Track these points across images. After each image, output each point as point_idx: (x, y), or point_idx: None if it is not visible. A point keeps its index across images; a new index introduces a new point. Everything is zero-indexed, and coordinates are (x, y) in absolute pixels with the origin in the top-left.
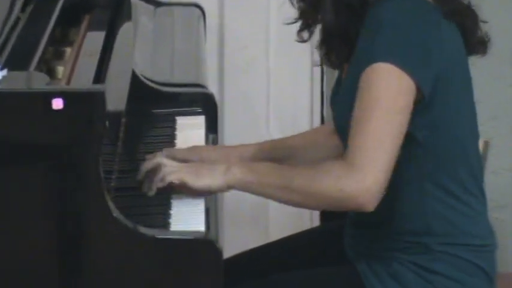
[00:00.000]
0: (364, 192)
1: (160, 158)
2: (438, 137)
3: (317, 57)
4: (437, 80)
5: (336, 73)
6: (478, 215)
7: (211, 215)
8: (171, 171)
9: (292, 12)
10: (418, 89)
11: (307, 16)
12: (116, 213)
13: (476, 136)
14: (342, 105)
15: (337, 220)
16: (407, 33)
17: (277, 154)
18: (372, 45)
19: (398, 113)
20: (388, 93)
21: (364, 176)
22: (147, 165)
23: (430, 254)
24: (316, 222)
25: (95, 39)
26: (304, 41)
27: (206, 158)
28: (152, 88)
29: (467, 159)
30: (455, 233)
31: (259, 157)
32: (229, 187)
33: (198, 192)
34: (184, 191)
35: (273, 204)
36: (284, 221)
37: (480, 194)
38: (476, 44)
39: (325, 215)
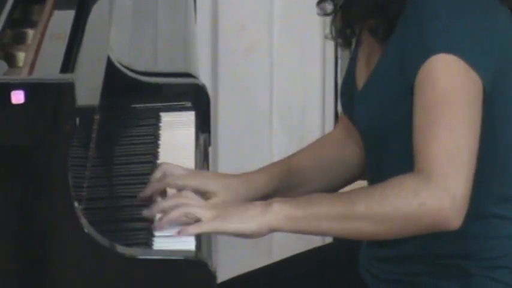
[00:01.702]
0: (451, 202)
1: (183, 199)
2: (493, 141)
3: (329, 41)
4: (497, 74)
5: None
6: None
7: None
8: (195, 210)
9: None
10: (483, 85)
11: None
12: (87, 228)
13: None
14: (375, 101)
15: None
16: (468, 22)
17: (293, 181)
18: (428, 34)
19: (472, 107)
20: (458, 87)
21: (447, 183)
22: (167, 204)
23: (466, 278)
24: (328, 238)
25: (62, 20)
26: (326, 14)
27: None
28: (131, 78)
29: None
30: (498, 255)
31: (274, 186)
32: (271, 229)
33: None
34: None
35: None
36: (290, 238)
37: None
38: None
39: None
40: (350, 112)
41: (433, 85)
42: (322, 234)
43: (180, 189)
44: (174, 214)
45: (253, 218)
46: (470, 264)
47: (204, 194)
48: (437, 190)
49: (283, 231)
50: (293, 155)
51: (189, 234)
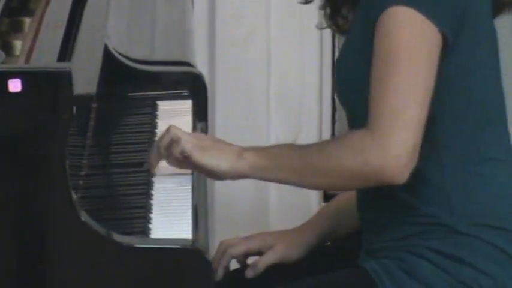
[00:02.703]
0: (393, 160)
1: (178, 131)
2: (456, 95)
3: (327, 29)
4: (460, 27)
5: None
6: (506, 195)
7: (199, 220)
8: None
9: None
10: (443, 37)
11: None
12: (84, 216)
13: (501, 98)
14: (345, 64)
15: (350, 236)
16: None
17: (340, 222)
18: None
19: (425, 63)
20: (412, 41)
21: (391, 141)
22: (163, 146)
23: (453, 238)
24: None
25: (59, 8)
26: (308, 2)
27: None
28: (129, 67)
29: (491, 123)
30: (482, 212)
31: (325, 232)
32: (238, 174)
33: (203, 171)
34: (188, 167)
35: (273, 207)
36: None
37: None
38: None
39: None
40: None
41: (385, 39)
42: (283, 183)
43: (243, 255)
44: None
45: (227, 160)
46: (458, 221)
47: (267, 249)
48: (381, 148)
49: (249, 177)
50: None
51: (164, 145)
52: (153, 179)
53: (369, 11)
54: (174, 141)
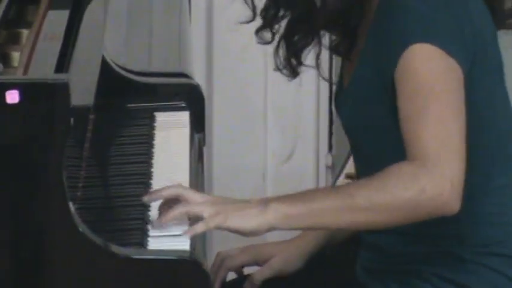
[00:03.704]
0: (449, 187)
1: (183, 190)
2: (470, 126)
3: (324, 40)
4: (473, 60)
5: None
6: None
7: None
8: (195, 209)
9: None
10: (462, 72)
11: (278, 4)
12: (82, 228)
13: (510, 129)
14: (355, 101)
15: (347, 248)
16: (439, 11)
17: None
18: (400, 27)
19: (455, 93)
20: (438, 74)
21: (444, 169)
22: (166, 192)
23: (460, 265)
24: None
25: (57, 19)
26: (267, 43)
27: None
28: (126, 78)
29: (503, 152)
30: (491, 241)
31: (319, 243)
32: (271, 227)
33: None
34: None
35: None
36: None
37: None
38: (506, 16)
39: None
40: (339, 112)
41: (414, 75)
42: (321, 229)
43: (239, 268)
44: (175, 213)
45: (253, 217)
46: (464, 249)
47: (264, 261)
48: (435, 176)
49: (282, 229)
50: None
51: (196, 233)
52: (151, 190)
53: (382, 48)
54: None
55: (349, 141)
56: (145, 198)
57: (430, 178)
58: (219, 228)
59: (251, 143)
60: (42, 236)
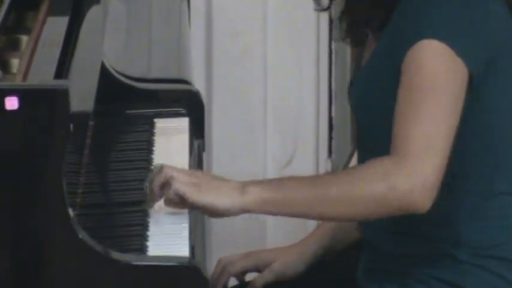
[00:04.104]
0: (420, 185)
1: (171, 170)
2: (475, 131)
3: (324, 45)
4: (488, 65)
5: (346, 63)
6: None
7: (196, 237)
8: (176, 181)
9: None
10: (469, 74)
11: None
12: (82, 234)
13: None
14: (366, 81)
15: (348, 254)
16: (460, 11)
17: (338, 237)
18: (419, 20)
19: (453, 95)
20: (442, 73)
21: (419, 167)
22: (157, 180)
23: (459, 268)
24: None
25: (56, 26)
26: (323, 10)
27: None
28: (126, 84)
29: (507, 159)
30: (490, 244)
31: (324, 246)
32: (244, 209)
33: (203, 211)
34: (186, 207)
35: (270, 224)
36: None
37: None
38: None
39: None
40: (351, 92)
41: (418, 69)
42: (295, 216)
43: (240, 274)
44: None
45: (228, 196)
46: (463, 251)
47: (265, 267)
48: (409, 173)
49: (255, 213)
50: None
51: (168, 198)
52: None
53: (397, 39)
54: (167, 182)
55: (356, 124)
56: (146, 206)
57: (402, 175)
58: (191, 200)
59: (251, 149)
60: (42, 243)
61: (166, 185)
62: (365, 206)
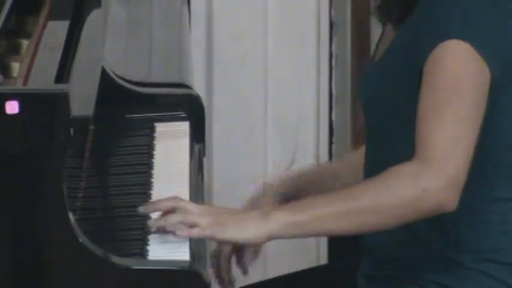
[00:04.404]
0: (451, 185)
1: (180, 202)
2: (484, 133)
3: (324, 49)
4: (508, 66)
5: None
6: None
7: (197, 242)
8: (192, 217)
9: None
10: (491, 76)
11: None
12: (82, 238)
13: None
14: (379, 79)
15: (348, 257)
16: (485, 12)
17: (322, 179)
18: (444, 20)
19: (477, 97)
20: (467, 75)
21: (446, 168)
22: (163, 204)
23: (458, 272)
24: (323, 258)
25: (56, 30)
26: None
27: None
28: (126, 88)
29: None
30: (490, 248)
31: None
32: (271, 237)
33: (231, 244)
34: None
35: None
36: (285, 254)
37: None
38: None
39: (334, 250)
40: (361, 87)
41: (443, 70)
42: (326, 234)
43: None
44: (171, 219)
45: (251, 227)
46: (463, 256)
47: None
48: (438, 174)
49: (285, 238)
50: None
51: (185, 236)
52: (151, 200)
53: (417, 37)
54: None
55: (365, 121)
56: (142, 209)
57: (433, 176)
58: (214, 238)
59: (251, 153)
60: (43, 247)
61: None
62: (400, 212)
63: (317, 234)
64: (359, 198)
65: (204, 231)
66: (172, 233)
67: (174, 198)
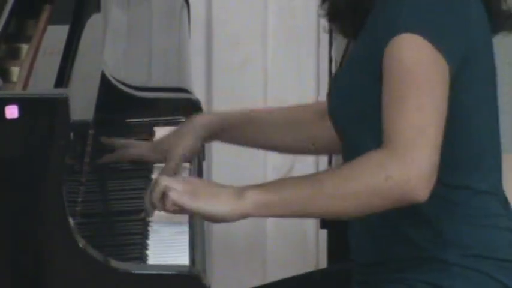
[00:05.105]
0: (416, 173)
1: (166, 181)
2: (454, 130)
3: (324, 54)
4: (464, 61)
5: None
6: (497, 225)
7: (197, 246)
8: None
9: (295, 1)
10: (449, 68)
11: None
12: (82, 243)
13: (497, 132)
14: (345, 87)
15: (347, 260)
16: (439, 6)
17: (248, 127)
18: (397, 15)
19: (437, 85)
20: (424, 65)
21: (414, 156)
22: (154, 195)
23: (446, 270)
24: (322, 261)
25: (56, 34)
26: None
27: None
28: (126, 93)
29: (486, 158)
30: (474, 243)
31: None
32: (243, 214)
33: (203, 217)
34: (186, 213)
35: (270, 230)
36: (285, 258)
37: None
38: (502, 18)
39: (333, 253)
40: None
41: (399, 63)
42: (294, 216)
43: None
44: (154, 196)
45: (225, 202)
46: (448, 253)
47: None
48: (404, 163)
49: (254, 216)
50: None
51: (156, 199)
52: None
53: (374, 40)
54: (165, 193)
55: (338, 135)
56: (144, 215)
57: (398, 165)
58: (184, 206)
59: (251, 157)
60: (42, 252)
61: (164, 195)
62: (363, 199)
63: (287, 216)
64: (324, 183)
65: (179, 198)
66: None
67: (157, 184)
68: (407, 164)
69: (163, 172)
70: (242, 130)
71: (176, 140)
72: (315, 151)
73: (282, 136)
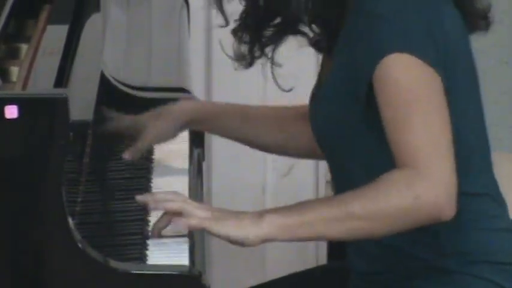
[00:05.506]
0: (443, 190)
1: (191, 207)
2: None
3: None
4: (445, 68)
5: None
6: (493, 227)
7: (196, 246)
8: (190, 208)
9: None
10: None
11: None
12: (81, 243)
13: (481, 138)
14: (324, 105)
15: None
16: (411, 20)
17: (243, 123)
18: (379, 38)
19: (437, 99)
20: (420, 81)
21: (435, 173)
22: (168, 206)
23: (447, 278)
24: (322, 258)
25: (56, 34)
26: (222, 26)
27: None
28: (125, 93)
29: (476, 161)
30: (473, 248)
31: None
32: (264, 238)
33: (230, 242)
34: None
35: None
36: (284, 256)
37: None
38: (477, 18)
39: (333, 251)
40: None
41: (395, 84)
42: (318, 239)
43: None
44: (170, 205)
45: (246, 226)
46: (447, 260)
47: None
48: (428, 181)
49: (278, 241)
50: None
51: (182, 226)
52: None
53: (355, 60)
54: (183, 213)
55: (320, 148)
56: (145, 201)
57: (424, 184)
58: (211, 231)
59: (250, 157)
60: (41, 252)
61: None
62: (392, 220)
63: (308, 239)
64: (351, 205)
65: (202, 223)
66: (172, 222)
67: (181, 200)
68: (432, 183)
69: (130, 151)
70: (226, 121)
71: (153, 121)
72: (295, 150)
73: (265, 132)
